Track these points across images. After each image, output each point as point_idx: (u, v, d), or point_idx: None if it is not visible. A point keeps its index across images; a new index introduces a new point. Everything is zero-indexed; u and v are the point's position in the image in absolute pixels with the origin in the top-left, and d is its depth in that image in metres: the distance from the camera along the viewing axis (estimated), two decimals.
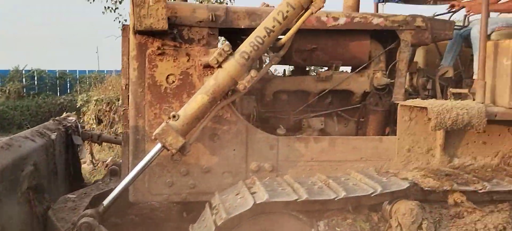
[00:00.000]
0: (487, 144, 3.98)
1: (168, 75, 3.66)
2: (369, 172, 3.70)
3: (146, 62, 3.61)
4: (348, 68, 4.44)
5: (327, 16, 3.94)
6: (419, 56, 5.35)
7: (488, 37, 4.24)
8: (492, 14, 4.64)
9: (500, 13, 4.56)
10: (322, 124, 4.25)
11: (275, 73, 4.62)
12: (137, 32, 3.49)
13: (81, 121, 10.55)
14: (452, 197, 3.33)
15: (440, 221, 3.31)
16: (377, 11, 5.73)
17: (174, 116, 3.39)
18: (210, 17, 3.67)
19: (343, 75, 4.21)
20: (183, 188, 3.73)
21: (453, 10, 4.74)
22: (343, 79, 4.17)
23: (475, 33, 4.23)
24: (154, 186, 3.70)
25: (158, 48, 3.60)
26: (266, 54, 3.86)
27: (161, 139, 3.32)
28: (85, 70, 22.14)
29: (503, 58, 3.59)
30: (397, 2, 5.69)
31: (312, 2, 3.41)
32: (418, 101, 3.72)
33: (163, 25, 3.35)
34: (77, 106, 12.46)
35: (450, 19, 4.72)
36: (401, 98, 4.07)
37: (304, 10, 3.48)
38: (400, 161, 3.90)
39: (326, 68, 4.22)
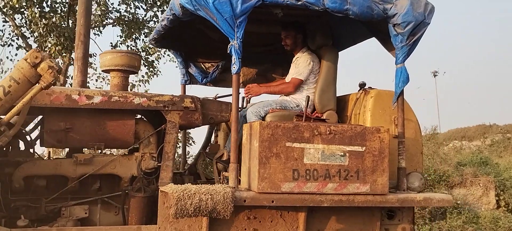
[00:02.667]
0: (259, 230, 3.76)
1: None
2: None
3: None
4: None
5: (79, 94, 3.63)
6: (221, 139, 5.21)
7: (262, 118, 4.18)
8: (269, 96, 4.63)
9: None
10: (86, 213, 3.82)
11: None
12: None
13: None
14: None
15: None
16: (184, 92, 5.59)
17: None
18: None
19: (106, 158, 3.86)
20: None
21: (248, 95, 4.65)
22: (107, 163, 3.82)
23: (249, 115, 4.15)
24: None
25: None
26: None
27: None
28: None
29: (254, 140, 3.47)
30: (204, 84, 5.59)
31: (41, 76, 3.08)
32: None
33: None
34: None
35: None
36: (167, 183, 3.77)
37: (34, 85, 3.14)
38: None
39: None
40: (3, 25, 13.17)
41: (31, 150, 4.00)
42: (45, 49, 12.40)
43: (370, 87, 4.34)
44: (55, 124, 3.66)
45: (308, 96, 4.10)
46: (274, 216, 3.78)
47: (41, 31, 12.00)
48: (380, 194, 3.60)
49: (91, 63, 13.41)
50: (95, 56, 13.28)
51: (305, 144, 3.46)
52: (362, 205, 3.60)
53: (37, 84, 3.12)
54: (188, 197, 3.19)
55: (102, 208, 3.91)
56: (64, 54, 12.37)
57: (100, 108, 3.71)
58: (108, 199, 3.89)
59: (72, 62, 12.84)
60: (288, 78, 4.53)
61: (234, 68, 3.47)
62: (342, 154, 3.52)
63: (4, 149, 3.88)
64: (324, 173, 3.48)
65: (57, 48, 12.05)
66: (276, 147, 3.40)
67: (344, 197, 3.53)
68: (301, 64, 4.33)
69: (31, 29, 12.42)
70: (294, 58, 4.52)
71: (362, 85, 4.40)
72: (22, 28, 12.76)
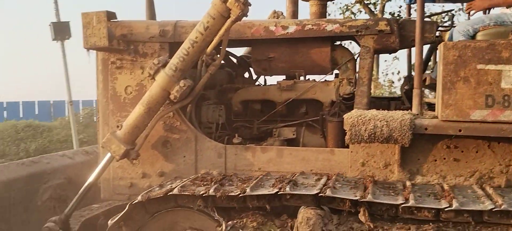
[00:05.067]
0: (460, 161, 3.43)
1: (126, 86, 4.06)
2: None
3: (109, 75, 4.07)
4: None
5: (275, 25, 3.89)
6: None
7: (472, 37, 3.69)
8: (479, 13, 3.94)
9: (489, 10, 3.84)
10: (293, 134, 4.17)
11: None
12: (87, 48, 3.96)
13: None
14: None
15: None
16: (409, 13, 5.28)
17: (118, 126, 3.79)
18: (160, 32, 3.96)
19: (307, 84, 4.08)
20: (141, 189, 4.06)
21: (470, 10, 4.12)
22: (308, 89, 4.05)
23: (456, 34, 3.69)
24: (117, 186, 4.12)
25: (117, 62, 4.02)
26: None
27: (107, 147, 3.74)
28: None
29: (440, 63, 3.12)
30: (432, 1, 5.14)
31: (230, 10, 3.45)
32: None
33: (104, 42, 3.76)
34: None
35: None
36: (363, 108, 3.77)
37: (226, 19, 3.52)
38: (353, 176, 3.64)
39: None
40: None
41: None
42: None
43: None
44: (259, 54, 4.05)
45: None
46: (481, 146, 3.38)
47: None
48: None
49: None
50: None
51: (503, 65, 2.95)
52: None
53: (229, 19, 3.51)
54: (363, 123, 3.16)
55: (308, 130, 4.18)
56: None
57: (296, 38, 3.91)
58: (312, 122, 4.14)
59: None
60: None
61: None
62: None
63: (231, 76, 4.54)
64: None
65: None
66: (464, 70, 3.00)
67: None
68: None
69: None
70: None
71: None
72: None
